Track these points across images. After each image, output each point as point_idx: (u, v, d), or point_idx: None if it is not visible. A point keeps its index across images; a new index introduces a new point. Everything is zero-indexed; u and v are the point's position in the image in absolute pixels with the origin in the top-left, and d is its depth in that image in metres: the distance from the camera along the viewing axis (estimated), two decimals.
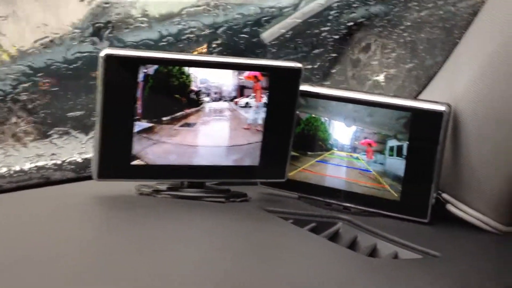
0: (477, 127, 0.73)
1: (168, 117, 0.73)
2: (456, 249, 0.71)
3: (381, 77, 0.93)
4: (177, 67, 0.72)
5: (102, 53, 0.67)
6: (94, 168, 0.70)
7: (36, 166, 0.86)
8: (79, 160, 0.88)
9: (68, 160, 0.88)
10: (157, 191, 0.75)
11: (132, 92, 0.70)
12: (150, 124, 0.72)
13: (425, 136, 0.76)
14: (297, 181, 0.83)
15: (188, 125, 0.74)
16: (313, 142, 0.82)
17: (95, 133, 0.69)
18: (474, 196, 0.77)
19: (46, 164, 0.86)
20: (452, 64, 0.80)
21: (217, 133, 0.75)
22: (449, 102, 0.76)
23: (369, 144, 0.79)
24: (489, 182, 0.73)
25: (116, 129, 0.70)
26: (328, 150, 0.82)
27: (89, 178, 0.75)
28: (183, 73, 0.73)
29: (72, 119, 0.90)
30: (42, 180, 0.84)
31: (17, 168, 0.84)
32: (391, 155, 0.78)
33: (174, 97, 0.73)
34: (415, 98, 0.86)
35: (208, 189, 0.77)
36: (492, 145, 0.72)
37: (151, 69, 0.70)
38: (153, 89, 0.71)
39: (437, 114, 0.75)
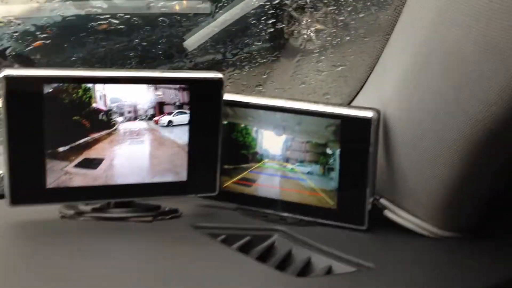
0: (403, 133, 0.71)
1: (66, 147, 0.65)
2: (391, 258, 0.70)
3: (312, 80, 0.91)
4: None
5: (1, 74, 0.62)
6: (6, 194, 0.66)
7: None
8: None
9: None
10: (80, 213, 0.71)
11: (38, 113, 0.64)
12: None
13: (355, 143, 0.74)
14: (233, 192, 0.80)
15: (88, 164, 0.65)
16: (240, 150, 0.79)
17: (4, 158, 0.65)
18: (409, 201, 0.75)
19: None
20: (380, 67, 0.78)
21: (134, 168, 0.69)
22: (379, 107, 0.74)
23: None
24: (421, 187, 0.72)
25: (26, 152, 0.65)
26: (258, 160, 0.79)
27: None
28: (78, 87, 0.65)
29: None
30: None
31: None
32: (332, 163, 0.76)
33: (72, 120, 0.65)
34: (348, 104, 0.84)
35: (136, 207, 0.73)
36: (418, 151, 0.70)
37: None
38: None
39: (366, 121, 0.73)
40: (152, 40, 0.85)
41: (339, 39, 0.84)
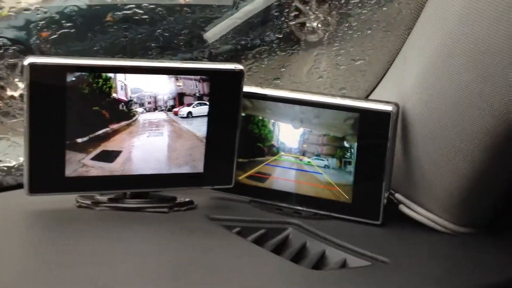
0: (422, 127, 0.71)
1: (85, 138, 0.64)
2: (406, 252, 0.70)
3: (330, 74, 0.91)
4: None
5: (26, 62, 0.62)
6: (25, 182, 0.66)
7: None
8: None
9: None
10: (96, 203, 0.71)
11: (61, 102, 0.64)
12: None
13: (373, 137, 0.74)
14: (247, 185, 0.80)
15: (105, 157, 0.65)
16: (256, 143, 0.79)
17: (24, 146, 0.65)
18: (425, 196, 0.75)
19: None
20: (400, 61, 0.77)
21: (151, 160, 0.68)
22: (398, 101, 0.73)
23: None
24: (438, 182, 0.72)
25: (46, 141, 0.65)
26: (275, 154, 0.79)
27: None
28: (98, 76, 0.64)
29: None
30: None
31: None
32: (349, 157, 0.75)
33: (92, 110, 0.65)
34: (366, 97, 0.83)
35: (152, 198, 0.74)
36: (437, 145, 0.70)
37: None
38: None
39: (385, 114, 0.72)
40: (174, 31, 0.84)
41: (360, 33, 0.84)
